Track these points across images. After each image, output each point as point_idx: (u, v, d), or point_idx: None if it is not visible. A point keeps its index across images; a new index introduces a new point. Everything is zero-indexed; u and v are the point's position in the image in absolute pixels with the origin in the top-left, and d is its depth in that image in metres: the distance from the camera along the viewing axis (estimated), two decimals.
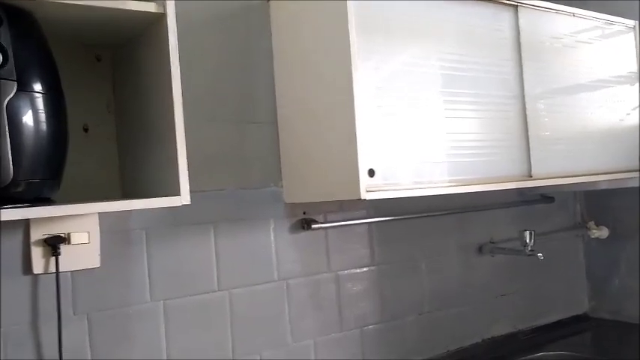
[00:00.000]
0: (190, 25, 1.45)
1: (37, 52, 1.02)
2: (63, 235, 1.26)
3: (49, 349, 1.25)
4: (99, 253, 1.31)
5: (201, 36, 1.49)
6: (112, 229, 1.34)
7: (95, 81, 1.33)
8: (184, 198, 1.07)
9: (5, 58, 0.95)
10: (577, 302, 2.31)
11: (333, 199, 1.42)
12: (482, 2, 1.58)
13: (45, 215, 0.99)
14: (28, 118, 0.97)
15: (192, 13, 1.47)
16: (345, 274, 1.71)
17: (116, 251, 1.34)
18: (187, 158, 1.10)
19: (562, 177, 1.70)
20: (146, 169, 1.24)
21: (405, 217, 1.81)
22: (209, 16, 1.51)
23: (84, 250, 1.28)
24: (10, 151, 0.94)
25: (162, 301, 1.40)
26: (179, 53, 1.10)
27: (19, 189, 0.98)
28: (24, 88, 0.97)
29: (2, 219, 0.93)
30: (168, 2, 1.08)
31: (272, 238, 1.57)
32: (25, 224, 1.24)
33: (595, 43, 1.88)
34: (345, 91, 1.31)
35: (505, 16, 1.64)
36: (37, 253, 1.24)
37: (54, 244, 1.24)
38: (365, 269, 1.75)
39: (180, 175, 1.07)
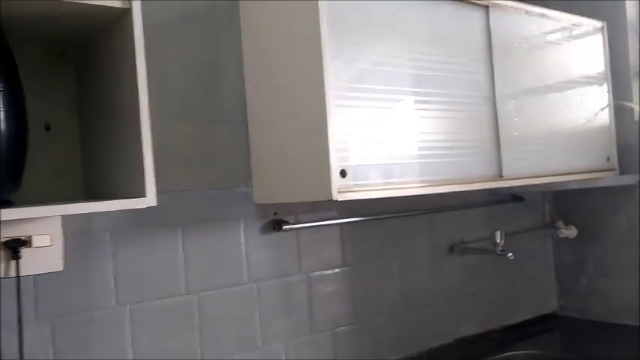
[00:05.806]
0: (157, 23, 1.41)
1: None
2: (24, 237, 1.20)
3: (10, 355, 1.20)
4: (62, 256, 1.25)
5: (169, 34, 1.45)
6: (76, 232, 1.30)
7: (58, 78, 1.28)
8: (150, 200, 1.03)
9: None
10: (546, 301, 2.33)
11: (304, 200, 1.39)
12: (454, 2, 1.58)
13: (3, 219, 0.94)
14: None
15: (160, 12, 1.43)
16: (317, 276, 1.69)
17: (80, 254, 1.30)
18: (153, 158, 1.07)
19: (533, 177, 1.71)
20: (111, 169, 1.20)
21: (377, 217, 1.79)
22: (177, 14, 1.47)
23: (46, 253, 1.23)
24: None
25: (127, 306, 1.36)
26: (145, 51, 1.06)
27: None
28: None
29: None
30: None
31: (242, 239, 1.54)
32: None
33: (564, 44, 1.89)
34: (315, 90, 1.29)
35: (476, 16, 1.63)
36: None
37: (14, 247, 1.18)
38: (336, 270, 1.73)
39: (145, 176, 1.03)
